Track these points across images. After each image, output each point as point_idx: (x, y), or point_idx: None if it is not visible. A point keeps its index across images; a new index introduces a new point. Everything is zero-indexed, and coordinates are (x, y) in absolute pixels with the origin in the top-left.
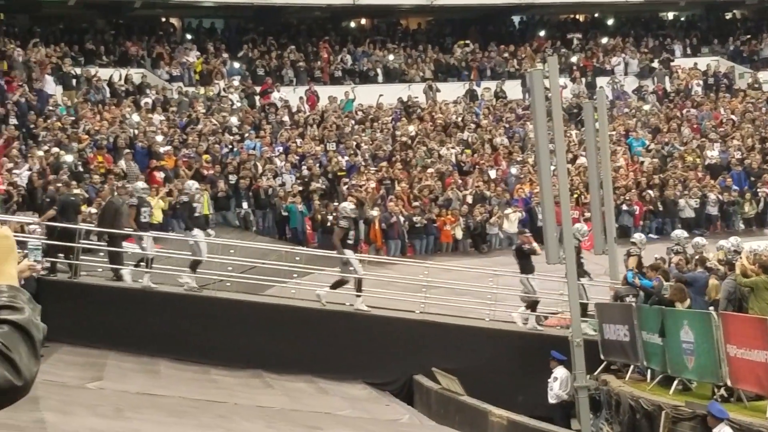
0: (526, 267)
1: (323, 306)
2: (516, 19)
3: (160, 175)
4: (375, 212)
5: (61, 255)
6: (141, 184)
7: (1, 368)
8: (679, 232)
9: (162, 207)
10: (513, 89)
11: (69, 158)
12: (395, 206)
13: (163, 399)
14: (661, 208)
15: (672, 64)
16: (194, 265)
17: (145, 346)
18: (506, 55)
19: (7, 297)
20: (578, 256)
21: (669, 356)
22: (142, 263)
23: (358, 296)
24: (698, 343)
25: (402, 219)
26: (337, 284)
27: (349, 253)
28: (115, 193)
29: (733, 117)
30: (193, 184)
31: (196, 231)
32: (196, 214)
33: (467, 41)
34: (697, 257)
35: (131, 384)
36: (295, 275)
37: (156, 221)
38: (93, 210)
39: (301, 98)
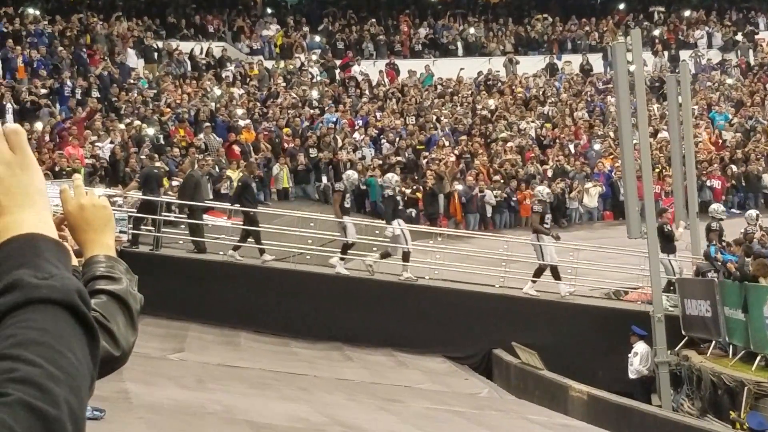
0: (666, 247)
1: (376, 276)
2: None
3: (238, 149)
4: (459, 186)
5: (143, 227)
6: (393, 177)
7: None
8: (716, 206)
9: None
10: (594, 63)
11: (151, 131)
12: (475, 181)
13: (244, 371)
14: (743, 183)
15: (756, 37)
16: (405, 257)
17: (226, 318)
18: (587, 28)
19: (105, 267)
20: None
21: (751, 332)
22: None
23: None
24: None
25: (482, 193)
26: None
27: (395, 224)
28: (195, 166)
29: None
30: (392, 177)
31: (396, 223)
32: (400, 207)
33: (545, 15)
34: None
35: (212, 356)
36: (374, 248)
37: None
38: (175, 183)
39: (381, 72)
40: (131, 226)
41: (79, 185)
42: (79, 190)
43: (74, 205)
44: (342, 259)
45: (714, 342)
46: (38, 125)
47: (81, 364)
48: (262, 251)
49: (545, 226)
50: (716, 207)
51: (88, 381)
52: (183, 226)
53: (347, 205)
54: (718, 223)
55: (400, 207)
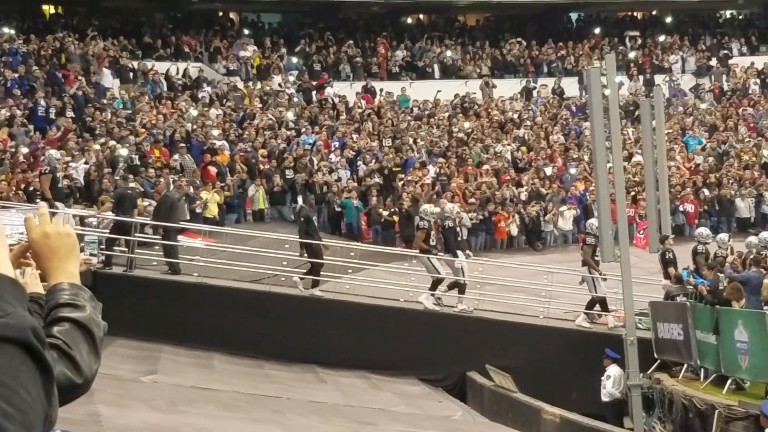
0: (667, 274)
1: (351, 298)
2: (573, 16)
3: (213, 170)
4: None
5: (116, 248)
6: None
7: (62, 366)
8: (703, 230)
9: (217, 201)
10: (570, 86)
11: (124, 152)
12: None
13: (217, 393)
14: (716, 207)
15: (729, 62)
16: (462, 289)
17: (200, 339)
18: (563, 52)
19: (69, 295)
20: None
21: (722, 355)
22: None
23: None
24: (752, 342)
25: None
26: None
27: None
28: (171, 188)
29: None
30: (453, 208)
31: (459, 254)
32: (460, 239)
33: (519, 39)
34: (751, 257)
35: (185, 378)
36: (349, 270)
37: (210, 215)
38: (146, 203)
39: (357, 93)
40: (103, 247)
41: (44, 213)
42: (43, 218)
43: (39, 233)
44: (432, 294)
45: (686, 365)
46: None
47: (34, 401)
48: (315, 284)
49: (595, 258)
50: (702, 231)
51: (41, 417)
52: (157, 248)
53: (432, 242)
54: (704, 246)
55: (459, 237)
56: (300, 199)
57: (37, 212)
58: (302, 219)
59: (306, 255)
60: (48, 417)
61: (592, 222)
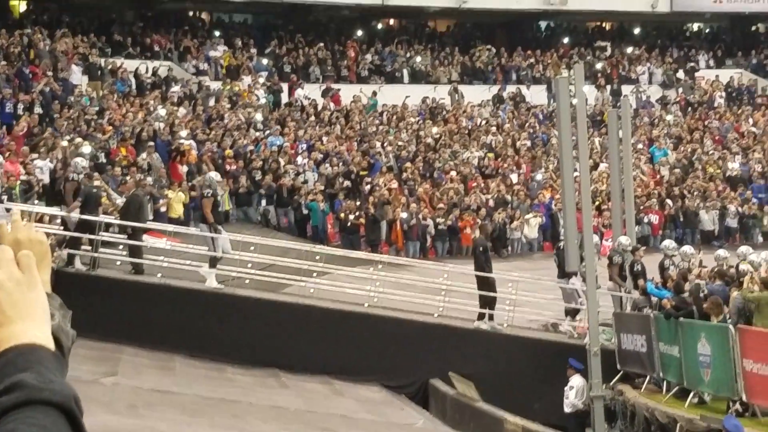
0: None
1: (312, 302)
2: (543, 24)
3: (183, 169)
4: (402, 213)
5: (80, 247)
6: (214, 175)
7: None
8: (668, 243)
9: (183, 201)
10: (538, 94)
11: (87, 149)
12: (417, 208)
13: (178, 396)
14: (681, 219)
15: (696, 74)
16: (574, 313)
17: (161, 341)
18: (532, 60)
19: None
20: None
21: (685, 368)
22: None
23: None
24: (715, 356)
25: (423, 221)
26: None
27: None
28: (139, 187)
29: (754, 130)
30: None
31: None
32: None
33: (489, 46)
34: (716, 270)
35: (146, 380)
36: (314, 274)
37: (176, 215)
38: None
39: (326, 96)
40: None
41: (17, 219)
42: (16, 224)
43: (10, 240)
44: (482, 317)
45: (648, 377)
46: None
47: None
48: (482, 316)
49: (623, 273)
50: (668, 243)
51: None
52: (121, 247)
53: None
54: (670, 259)
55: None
56: (264, 201)
57: (9, 219)
58: (480, 249)
59: (479, 287)
60: None
61: (622, 240)
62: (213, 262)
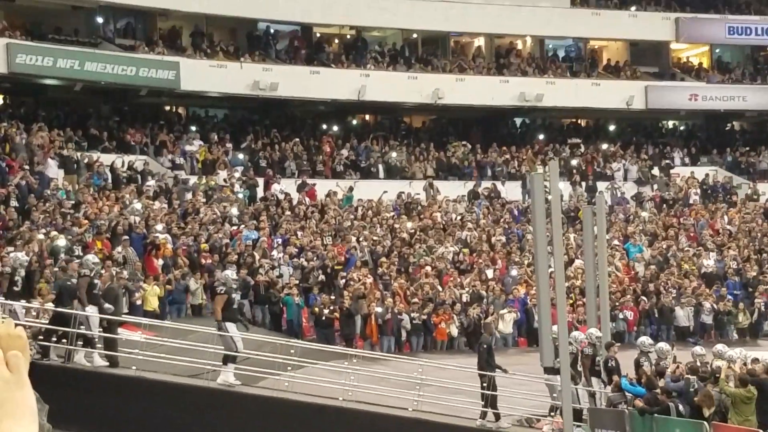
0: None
1: (291, 396)
2: (518, 121)
3: (158, 263)
4: (377, 308)
5: (54, 341)
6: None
7: None
8: (644, 339)
9: (158, 294)
10: (513, 190)
11: (62, 242)
12: (392, 302)
13: None
14: (656, 315)
15: (671, 172)
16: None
17: None
18: (507, 156)
19: None
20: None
21: None
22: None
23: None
24: None
25: (399, 315)
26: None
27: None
28: (115, 280)
29: (729, 227)
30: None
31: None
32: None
33: (464, 142)
34: (688, 365)
35: None
36: (289, 368)
37: (151, 308)
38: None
39: (301, 191)
40: (42, 338)
41: None
42: None
43: None
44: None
45: None
46: None
47: None
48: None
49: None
50: (644, 340)
51: None
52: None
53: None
54: (646, 356)
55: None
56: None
57: None
58: (484, 347)
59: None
60: None
61: (592, 332)
62: (228, 359)
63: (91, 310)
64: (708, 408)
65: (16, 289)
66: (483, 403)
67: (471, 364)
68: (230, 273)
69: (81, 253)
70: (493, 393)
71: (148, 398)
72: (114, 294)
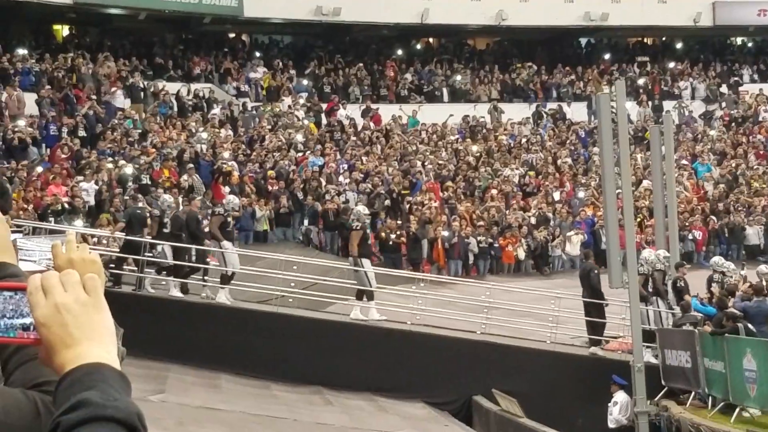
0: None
1: (383, 324)
2: (583, 41)
3: (225, 190)
4: (444, 232)
5: (126, 267)
6: (362, 209)
7: None
8: (717, 259)
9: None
10: (578, 111)
11: (129, 170)
12: (459, 227)
13: (224, 413)
14: (726, 235)
15: (740, 89)
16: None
17: (208, 359)
18: (572, 77)
19: None
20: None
21: (731, 384)
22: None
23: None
24: (761, 371)
25: (466, 239)
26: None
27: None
28: (180, 208)
29: None
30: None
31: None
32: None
33: (529, 63)
34: (753, 285)
35: (193, 397)
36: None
37: None
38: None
39: (365, 116)
40: (113, 266)
41: (71, 240)
42: (70, 245)
43: (64, 260)
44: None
45: (693, 393)
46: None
47: None
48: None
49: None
50: (717, 260)
51: None
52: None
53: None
54: (720, 275)
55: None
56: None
57: (65, 240)
58: (591, 273)
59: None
60: None
61: (661, 253)
62: (362, 293)
63: (227, 245)
64: None
65: (165, 231)
66: (588, 330)
67: (538, 287)
68: (362, 208)
69: (148, 182)
70: (603, 321)
71: (218, 324)
72: (195, 219)
